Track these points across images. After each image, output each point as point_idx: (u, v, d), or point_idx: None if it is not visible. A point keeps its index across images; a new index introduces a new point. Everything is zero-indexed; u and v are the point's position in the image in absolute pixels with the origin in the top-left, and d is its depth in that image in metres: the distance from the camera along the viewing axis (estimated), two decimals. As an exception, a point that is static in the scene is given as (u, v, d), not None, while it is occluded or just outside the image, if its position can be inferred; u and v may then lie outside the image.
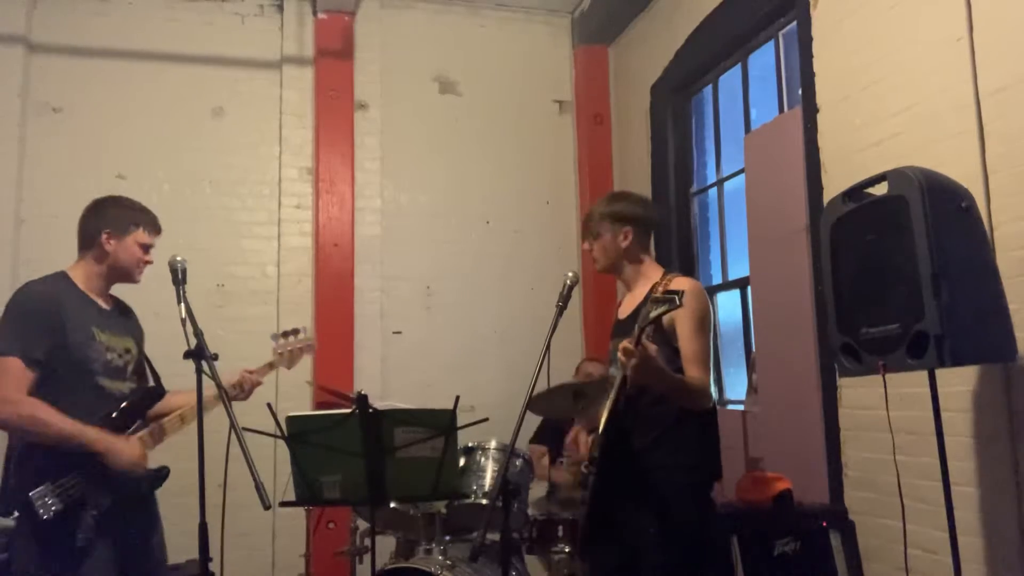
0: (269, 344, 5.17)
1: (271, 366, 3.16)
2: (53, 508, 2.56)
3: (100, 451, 2.62)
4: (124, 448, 2.67)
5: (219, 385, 2.54)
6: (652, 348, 2.43)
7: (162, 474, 2.83)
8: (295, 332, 3.25)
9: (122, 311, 2.99)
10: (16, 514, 2.60)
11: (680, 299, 2.33)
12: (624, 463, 2.69)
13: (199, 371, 2.54)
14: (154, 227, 2.95)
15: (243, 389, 3.01)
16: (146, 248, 2.91)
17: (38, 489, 2.56)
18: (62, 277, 2.83)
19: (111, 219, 2.86)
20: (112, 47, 5.29)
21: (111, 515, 2.66)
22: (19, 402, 2.58)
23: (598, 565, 2.89)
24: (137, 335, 2.99)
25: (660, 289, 2.71)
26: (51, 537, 2.58)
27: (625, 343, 2.40)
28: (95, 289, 2.87)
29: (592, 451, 2.74)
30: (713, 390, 2.70)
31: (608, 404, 2.63)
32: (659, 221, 2.99)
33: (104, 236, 2.83)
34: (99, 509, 2.62)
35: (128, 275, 2.91)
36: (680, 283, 2.74)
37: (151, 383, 2.96)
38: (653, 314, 2.35)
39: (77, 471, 2.61)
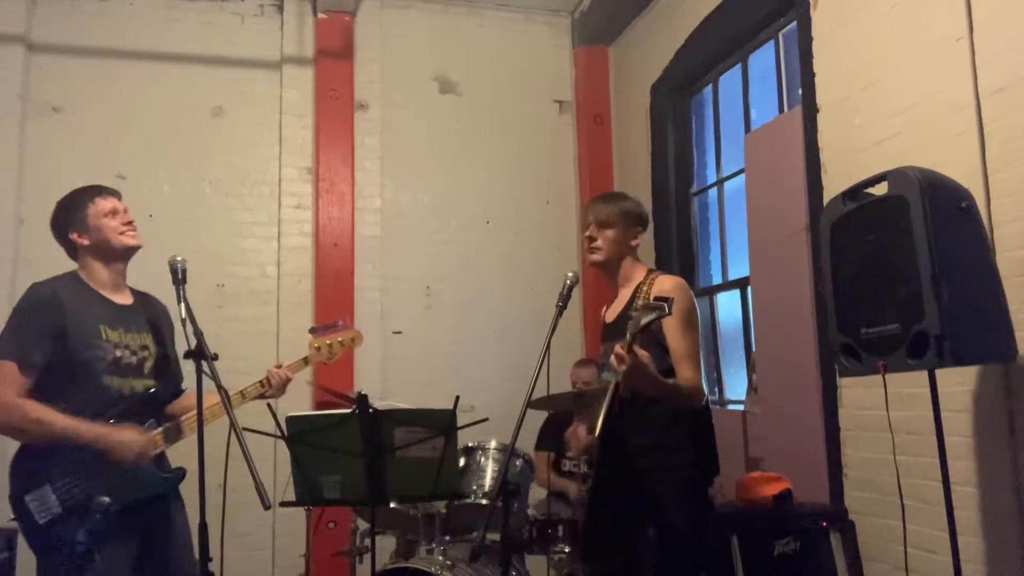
0: (270, 344, 5.24)
1: (306, 361, 3.05)
2: (52, 512, 2.46)
3: (101, 448, 2.51)
4: (124, 439, 2.55)
5: (219, 385, 2.54)
6: (644, 355, 2.42)
7: (178, 475, 2.74)
8: (334, 325, 3.18)
9: (146, 306, 2.86)
10: (11, 519, 2.51)
11: (669, 307, 2.33)
12: (622, 465, 2.69)
13: (199, 371, 2.54)
14: (101, 191, 2.81)
15: (271, 385, 2.90)
16: (112, 212, 2.77)
17: (35, 491, 2.47)
18: (70, 276, 2.75)
19: (65, 221, 2.78)
20: (112, 47, 5.29)
21: (124, 519, 2.53)
22: (12, 406, 2.50)
23: (598, 567, 2.89)
24: (160, 331, 2.84)
25: (645, 291, 2.72)
26: (49, 543, 2.47)
27: (618, 348, 2.40)
28: (106, 283, 2.76)
29: (591, 453, 2.74)
30: (706, 386, 2.70)
31: (603, 409, 2.63)
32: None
33: (74, 236, 2.75)
34: (104, 513, 2.47)
35: (121, 248, 2.77)
36: (664, 283, 2.76)
37: (177, 379, 2.88)
38: (644, 321, 2.35)
39: (80, 473, 2.50)
